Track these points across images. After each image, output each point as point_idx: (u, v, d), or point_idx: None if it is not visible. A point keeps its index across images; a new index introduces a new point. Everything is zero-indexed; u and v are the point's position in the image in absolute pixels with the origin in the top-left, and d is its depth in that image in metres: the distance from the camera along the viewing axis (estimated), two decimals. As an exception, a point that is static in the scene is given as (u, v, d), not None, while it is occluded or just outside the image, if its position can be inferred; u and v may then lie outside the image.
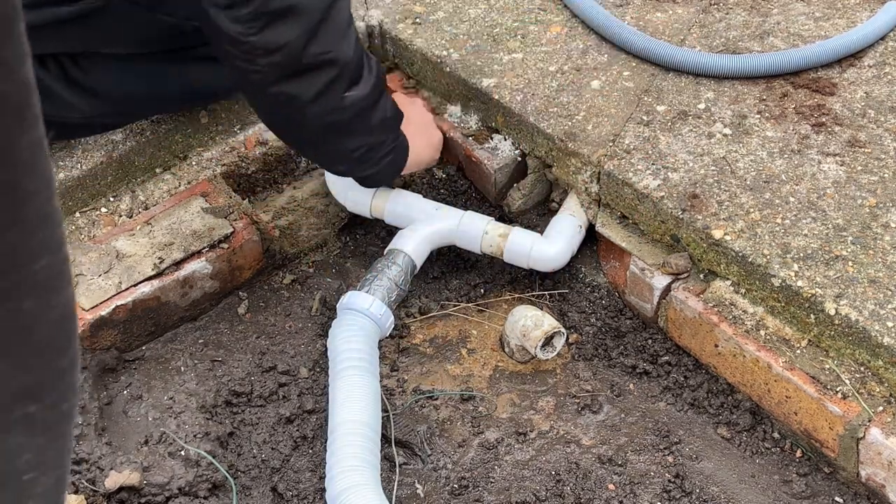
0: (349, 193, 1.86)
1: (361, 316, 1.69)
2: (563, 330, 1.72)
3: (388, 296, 1.73)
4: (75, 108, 1.74)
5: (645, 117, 1.83)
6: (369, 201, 1.85)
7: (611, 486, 1.58)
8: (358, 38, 1.52)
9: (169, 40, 1.73)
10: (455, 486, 1.60)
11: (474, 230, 1.80)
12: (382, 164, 1.70)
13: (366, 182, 1.78)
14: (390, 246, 1.81)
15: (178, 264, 1.75)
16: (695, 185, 1.70)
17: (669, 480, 1.59)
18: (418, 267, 1.81)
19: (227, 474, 1.57)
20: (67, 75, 1.72)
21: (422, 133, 1.81)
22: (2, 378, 0.67)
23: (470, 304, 1.87)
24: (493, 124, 1.94)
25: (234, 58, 1.42)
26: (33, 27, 1.18)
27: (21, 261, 0.64)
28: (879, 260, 1.56)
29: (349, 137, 1.60)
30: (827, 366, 1.52)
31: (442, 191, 1.99)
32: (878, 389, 1.48)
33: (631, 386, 1.74)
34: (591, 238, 1.85)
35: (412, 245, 1.79)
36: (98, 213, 1.85)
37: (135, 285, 1.71)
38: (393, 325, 1.76)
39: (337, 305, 1.74)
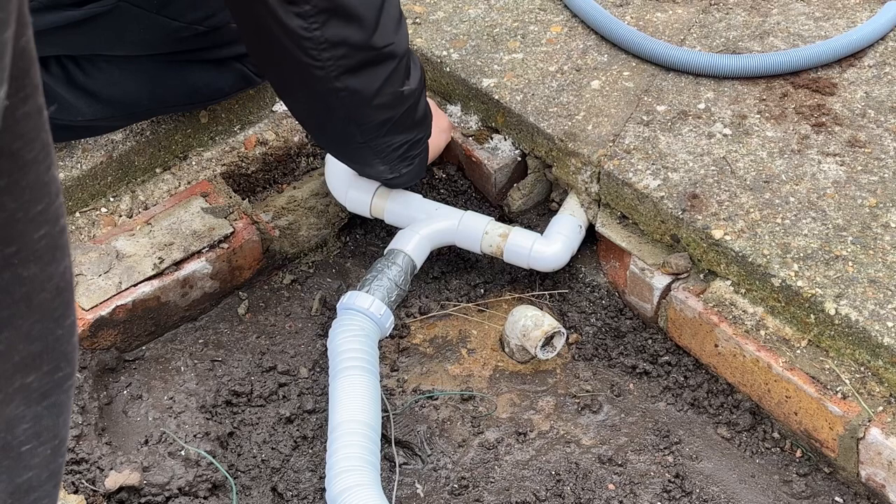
0: (349, 193, 1.86)
1: (361, 316, 1.69)
2: (563, 330, 1.72)
3: (388, 296, 1.73)
4: (78, 110, 1.74)
5: (645, 117, 1.83)
6: (369, 201, 1.85)
7: (611, 486, 1.58)
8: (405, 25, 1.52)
9: (172, 43, 1.72)
10: (455, 486, 1.60)
11: (474, 230, 1.80)
12: (416, 161, 1.70)
13: (394, 182, 1.78)
14: (390, 246, 1.81)
15: (178, 264, 1.75)
16: (695, 185, 1.70)
17: (669, 480, 1.59)
18: (418, 267, 1.81)
19: (227, 474, 1.58)
20: (70, 78, 1.72)
21: (434, 121, 1.76)
22: (4, 347, 0.68)
23: (470, 304, 1.87)
24: (493, 124, 1.94)
25: (295, 55, 1.38)
26: (41, 31, 1.19)
27: (22, 229, 0.64)
28: (879, 260, 1.56)
29: (397, 133, 1.59)
30: (827, 366, 1.53)
31: (442, 191, 1.99)
32: (878, 389, 1.48)
33: (631, 386, 1.74)
34: (591, 238, 1.85)
35: (412, 245, 1.79)
36: (98, 213, 1.85)
37: (135, 285, 1.71)
38: (393, 325, 1.76)
39: (337, 305, 1.74)
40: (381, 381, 1.69)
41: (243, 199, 1.90)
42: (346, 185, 1.86)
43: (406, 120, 1.58)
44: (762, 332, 1.58)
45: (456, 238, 1.82)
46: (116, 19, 1.61)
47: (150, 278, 1.72)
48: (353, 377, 1.59)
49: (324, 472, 1.52)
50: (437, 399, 1.72)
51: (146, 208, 1.85)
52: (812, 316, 1.54)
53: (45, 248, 0.68)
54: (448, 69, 1.97)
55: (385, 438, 1.64)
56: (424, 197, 1.88)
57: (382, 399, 1.67)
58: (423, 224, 1.81)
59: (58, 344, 0.73)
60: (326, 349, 1.71)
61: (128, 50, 1.73)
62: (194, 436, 1.60)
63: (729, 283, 1.64)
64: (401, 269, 1.77)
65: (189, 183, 1.89)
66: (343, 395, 1.57)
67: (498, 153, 1.91)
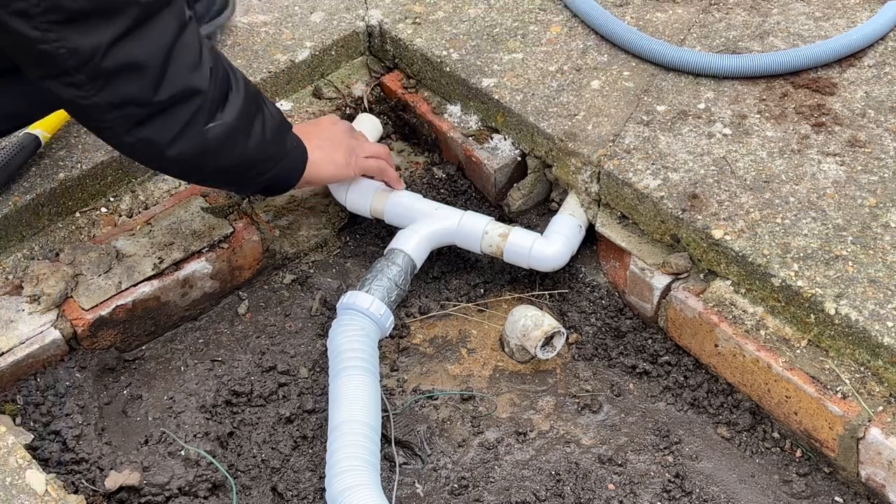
0: (349, 194, 1.86)
1: (361, 316, 1.69)
2: (562, 330, 1.72)
3: (387, 296, 1.73)
4: None
5: (645, 117, 1.83)
6: (369, 201, 1.85)
7: (611, 486, 1.59)
8: (218, 60, 1.44)
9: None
10: (455, 485, 1.60)
11: (474, 230, 1.80)
12: (265, 180, 1.61)
13: (262, 193, 1.75)
14: (390, 246, 1.81)
15: (178, 264, 1.75)
16: (695, 185, 1.70)
17: (669, 480, 1.59)
18: (418, 267, 1.81)
19: (226, 474, 1.57)
20: None
21: (324, 148, 1.71)
22: None
23: (470, 304, 1.87)
24: (493, 124, 1.94)
25: (82, 119, 1.37)
26: None
27: None
28: (879, 260, 1.56)
29: (223, 161, 1.52)
30: (827, 366, 1.53)
31: (442, 191, 1.99)
32: (878, 389, 1.48)
33: (631, 386, 1.74)
34: (591, 238, 1.85)
35: (412, 245, 1.79)
36: (98, 213, 1.85)
37: (135, 285, 1.71)
38: (393, 325, 1.76)
39: (337, 305, 1.74)
40: (381, 381, 1.69)
41: (243, 199, 1.90)
42: (345, 186, 1.86)
43: (230, 150, 1.49)
44: (762, 332, 1.58)
45: (456, 238, 1.82)
46: None
47: (150, 278, 1.72)
48: (353, 377, 1.59)
49: (324, 472, 1.52)
50: (437, 399, 1.72)
51: (146, 208, 1.85)
52: (812, 316, 1.54)
53: None
54: (448, 69, 1.97)
55: (385, 438, 1.64)
56: (424, 197, 1.88)
57: (382, 399, 1.67)
58: (423, 224, 1.81)
59: None
60: (326, 349, 1.71)
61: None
62: (194, 436, 1.60)
63: (729, 283, 1.64)
64: (401, 269, 1.77)
65: (189, 183, 1.89)
66: (343, 395, 1.57)
67: (498, 153, 1.91)
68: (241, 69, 1.98)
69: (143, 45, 1.32)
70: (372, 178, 1.86)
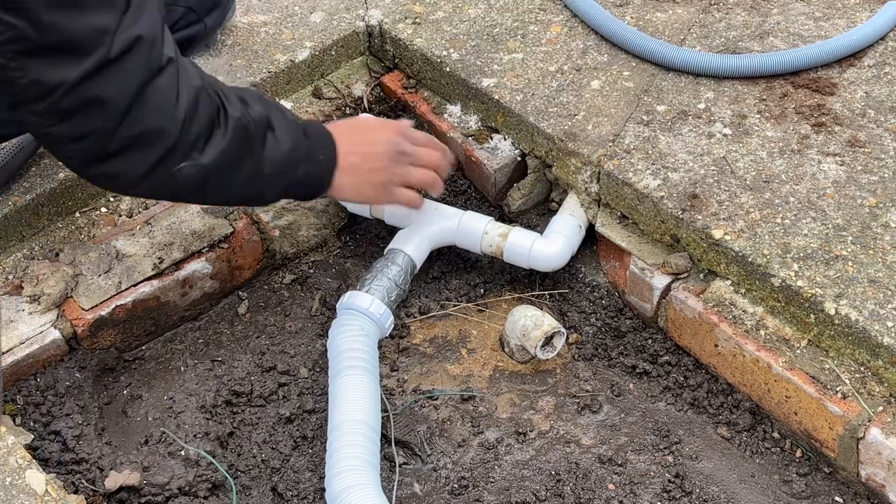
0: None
1: (361, 316, 1.69)
2: (562, 330, 1.72)
3: (387, 296, 1.73)
4: None
5: (645, 117, 1.83)
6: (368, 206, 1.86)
7: (611, 486, 1.59)
8: (205, 101, 1.39)
9: None
10: (455, 485, 1.60)
11: (474, 230, 1.80)
12: (274, 195, 1.58)
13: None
14: (390, 246, 1.81)
15: (178, 264, 1.75)
16: (695, 185, 1.70)
17: (669, 480, 1.59)
18: (418, 267, 1.81)
19: (226, 474, 1.57)
20: None
21: (359, 171, 1.62)
22: None
23: (470, 304, 1.87)
24: (493, 124, 1.94)
25: (45, 145, 1.35)
26: None
27: None
28: (879, 260, 1.56)
29: (208, 197, 1.50)
30: (827, 366, 1.53)
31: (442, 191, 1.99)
32: (878, 389, 1.48)
33: (631, 386, 1.74)
34: (591, 238, 1.85)
35: (412, 245, 1.79)
36: (98, 213, 1.85)
37: (135, 285, 1.71)
38: (393, 325, 1.76)
39: (337, 305, 1.74)
40: (381, 381, 1.69)
41: (243, 199, 1.90)
42: None
43: (213, 187, 1.45)
44: (762, 332, 1.58)
45: (456, 238, 1.82)
46: None
47: (150, 278, 1.72)
48: (353, 377, 1.59)
49: (323, 472, 1.52)
50: (437, 399, 1.72)
51: (146, 208, 1.85)
52: (812, 316, 1.54)
53: None
54: (448, 69, 1.97)
55: (385, 438, 1.64)
56: (424, 197, 1.88)
57: (382, 399, 1.67)
58: (423, 224, 1.81)
59: None
60: (326, 349, 1.71)
61: None
62: (194, 436, 1.60)
63: (729, 282, 1.64)
64: (400, 269, 1.77)
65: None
66: (343, 395, 1.57)
67: (498, 153, 1.91)
68: (241, 69, 1.98)
69: (110, 84, 1.29)
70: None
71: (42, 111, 1.28)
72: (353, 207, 1.88)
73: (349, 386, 1.58)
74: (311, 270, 1.92)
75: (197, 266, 1.77)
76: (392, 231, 1.87)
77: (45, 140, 1.36)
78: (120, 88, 1.29)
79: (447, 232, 1.81)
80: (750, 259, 1.59)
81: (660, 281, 1.70)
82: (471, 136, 1.94)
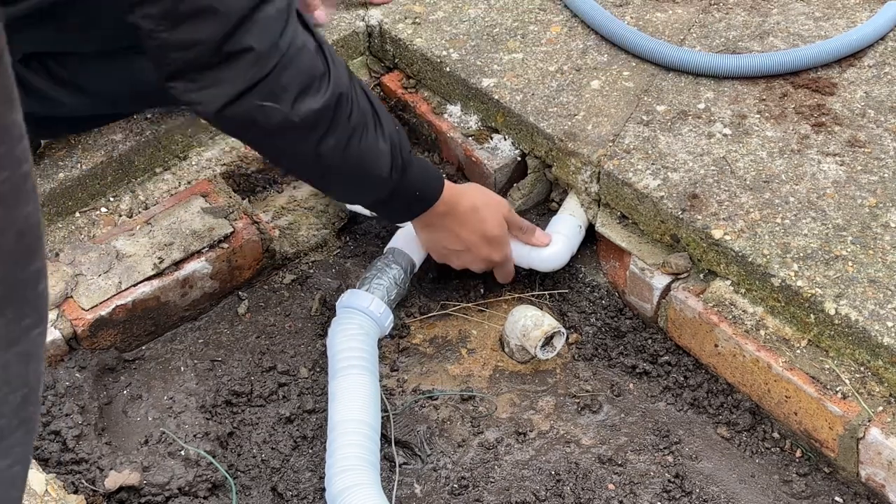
0: None
1: (361, 315, 1.69)
2: (562, 330, 1.72)
3: (387, 294, 1.73)
4: (59, 102, 1.72)
5: (645, 117, 1.83)
6: None
7: (611, 486, 1.59)
8: (306, 53, 1.39)
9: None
10: (455, 485, 1.60)
11: None
12: (343, 195, 1.58)
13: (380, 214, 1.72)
14: (390, 245, 1.81)
15: (177, 264, 1.75)
16: (695, 185, 1.70)
17: (669, 480, 1.59)
18: (418, 265, 1.81)
19: (226, 474, 1.57)
20: (51, 72, 1.70)
21: (467, 222, 1.65)
22: None
23: (470, 304, 1.87)
24: (493, 124, 1.94)
25: (150, 52, 1.34)
26: (14, 22, 1.17)
27: None
28: (879, 260, 1.56)
29: (280, 151, 1.48)
30: (827, 366, 1.53)
31: (442, 191, 1.99)
32: (878, 389, 1.48)
33: (631, 386, 1.74)
34: (591, 238, 1.85)
35: (412, 244, 1.79)
36: (98, 213, 1.85)
37: (135, 285, 1.71)
38: (393, 324, 1.76)
39: (336, 304, 1.74)
40: (381, 381, 1.69)
41: (243, 199, 1.90)
42: None
43: (289, 142, 1.44)
44: (762, 332, 1.58)
45: None
46: (80, 11, 1.57)
47: (150, 278, 1.72)
48: (353, 376, 1.59)
49: (323, 472, 1.52)
50: (436, 399, 1.72)
51: (146, 208, 1.85)
52: (812, 316, 1.54)
53: (7, 192, 0.68)
54: (448, 69, 1.97)
55: (385, 438, 1.64)
56: None
57: (382, 399, 1.67)
58: None
59: (22, 290, 0.73)
60: (326, 349, 1.71)
61: (98, 44, 1.67)
62: (194, 436, 1.60)
63: (729, 283, 1.64)
64: (400, 268, 1.77)
65: (189, 183, 1.89)
66: (342, 395, 1.58)
67: (498, 153, 1.91)
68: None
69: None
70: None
71: (156, 14, 1.29)
72: (352, 206, 1.88)
73: (348, 385, 1.58)
74: (311, 270, 1.92)
75: (197, 266, 1.77)
76: (391, 231, 1.87)
77: (151, 48, 1.34)
78: (233, 2, 1.30)
79: None
80: (750, 259, 1.59)
81: (660, 281, 1.70)
82: (471, 136, 1.94)
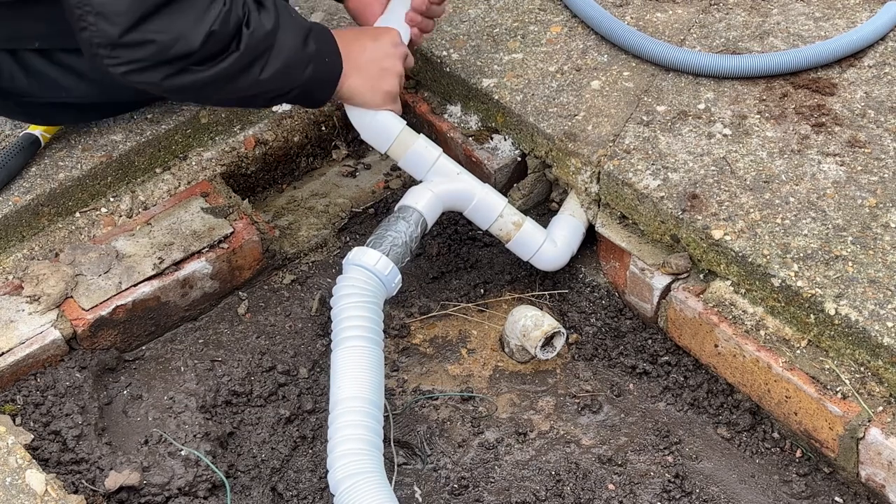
0: (373, 122, 1.72)
1: (366, 273, 1.60)
2: (563, 330, 1.72)
3: (396, 253, 1.64)
4: (64, 88, 1.73)
5: (645, 117, 1.83)
6: (392, 139, 1.72)
7: (611, 486, 1.59)
8: (230, 17, 1.45)
9: None
10: (455, 485, 1.60)
11: (491, 208, 1.74)
12: (270, 99, 1.63)
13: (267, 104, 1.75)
14: (401, 202, 1.72)
15: (177, 264, 1.75)
16: (695, 185, 1.70)
17: (669, 480, 1.59)
18: (430, 225, 1.72)
19: (221, 476, 1.57)
20: (54, 58, 1.70)
21: (366, 71, 1.67)
22: None
23: (470, 304, 1.88)
24: (493, 124, 1.94)
25: (73, 17, 1.40)
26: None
27: None
28: (879, 260, 1.56)
29: (208, 102, 1.62)
30: (827, 366, 1.53)
31: (442, 191, 1.99)
32: (878, 389, 1.48)
33: (631, 386, 1.74)
34: (591, 238, 1.85)
35: (424, 201, 1.70)
36: (98, 213, 1.85)
37: (135, 285, 1.71)
38: (400, 284, 1.67)
39: (343, 261, 1.65)
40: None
41: (243, 199, 1.90)
42: (371, 112, 1.72)
43: (208, 93, 1.53)
44: (762, 333, 1.58)
45: (469, 206, 1.74)
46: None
47: (150, 278, 1.72)
48: (355, 348, 1.53)
49: (323, 473, 1.52)
50: (437, 399, 1.72)
51: (146, 208, 1.85)
52: (812, 316, 1.54)
53: None
54: (448, 69, 1.97)
55: (385, 438, 1.64)
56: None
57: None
58: (441, 183, 1.73)
59: None
60: (326, 349, 1.70)
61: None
62: (194, 436, 1.60)
63: (729, 283, 1.64)
64: (411, 226, 1.67)
65: (189, 183, 1.89)
66: (344, 369, 1.51)
67: (498, 153, 1.91)
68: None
69: None
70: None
71: None
72: (369, 136, 1.74)
73: (351, 359, 1.52)
74: (311, 270, 1.92)
75: (197, 266, 1.77)
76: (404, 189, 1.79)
77: (74, 10, 1.39)
78: None
79: (463, 198, 1.74)
80: (750, 259, 1.59)
81: (660, 281, 1.70)
82: (471, 136, 1.94)
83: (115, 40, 1.39)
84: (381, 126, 1.71)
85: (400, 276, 1.64)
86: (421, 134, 1.75)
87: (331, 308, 1.60)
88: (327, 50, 1.63)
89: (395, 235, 1.65)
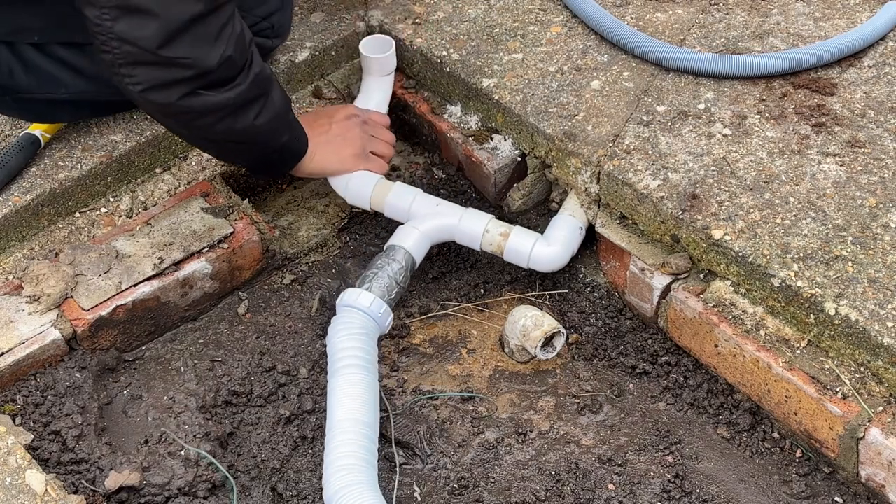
0: (350, 183, 1.85)
1: (360, 313, 1.69)
2: (562, 330, 1.72)
3: (387, 293, 1.73)
4: (61, 83, 1.74)
5: (645, 117, 1.83)
6: (369, 194, 1.84)
7: (611, 486, 1.59)
8: (242, 44, 1.54)
9: None
10: (455, 486, 1.60)
11: (475, 228, 1.79)
12: (253, 159, 1.75)
13: (251, 171, 1.87)
14: (390, 242, 1.80)
15: (177, 264, 1.75)
16: (695, 185, 1.70)
17: (669, 480, 1.59)
18: (418, 263, 1.81)
19: (227, 474, 1.57)
20: (51, 53, 1.71)
21: (333, 143, 1.82)
22: None
23: (470, 304, 1.88)
24: (493, 124, 1.94)
25: (96, 40, 1.44)
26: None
27: None
28: (879, 260, 1.57)
29: (199, 135, 1.65)
30: (827, 366, 1.53)
31: (442, 191, 1.99)
32: (878, 389, 1.48)
33: (631, 386, 1.74)
34: (591, 238, 1.85)
35: (412, 241, 1.79)
36: (98, 213, 1.85)
37: (135, 285, 1.71)
38: (392, 323, 1.76)
39: (336, 302, 1.74)
40: (381, 381, 1.69)
41: (243, 199, 1.90)
42: (346, 176, 1.85)
43: (211, 123, 1.59)
44: (762, 333, 1.58)
45: (456, 235, 1.82)
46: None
47: (149, 278, 1.72)
48: (352, 375, 1.59)
49: (323, 472, 1.52)
50: (437, 399, 1.72)
51: (146, 208, 1.85)
52: (812, 316, 1.54)
53: None
54: (448, 69, 1.97)
55: (385, 438, 1.64)
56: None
57: (382, 399, 1.67)
58: (424, 220, 1.81)
59: None
60: (326, 349, 1.71)
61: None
62: (194, 436, 1.60)
63: (729, 283, 1.64)
64: (401, 266, 1.76)
65: (189, 183, 1.89)
66: (341, 394, 1.57)
67: (498, 153, 1.91)
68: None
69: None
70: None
71: (104, 2, 1.40)
72: (352, 199, 1.87)
73: (347, 384, 1.58)
74: (311, 270, 1.92)
75: (197, 266, 1.77)
76: (391, 230, 1.87)
77: (98, 36, 1.43)
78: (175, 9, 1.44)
79: (447, 228, 1.81)
80: (750, 259, 1.59)
81: (660, 281, 1.70)
82: (471, 136, 1.94)
83: (138, 60, 1.45)
84: (357, 186, 1.85)
85: (392, 315, 1.73)
86: (396, 181, 1.87)
87: (326, 347, 1.68)
88: (299, 128, 1.77)
89: (388, 279, 1.74)
